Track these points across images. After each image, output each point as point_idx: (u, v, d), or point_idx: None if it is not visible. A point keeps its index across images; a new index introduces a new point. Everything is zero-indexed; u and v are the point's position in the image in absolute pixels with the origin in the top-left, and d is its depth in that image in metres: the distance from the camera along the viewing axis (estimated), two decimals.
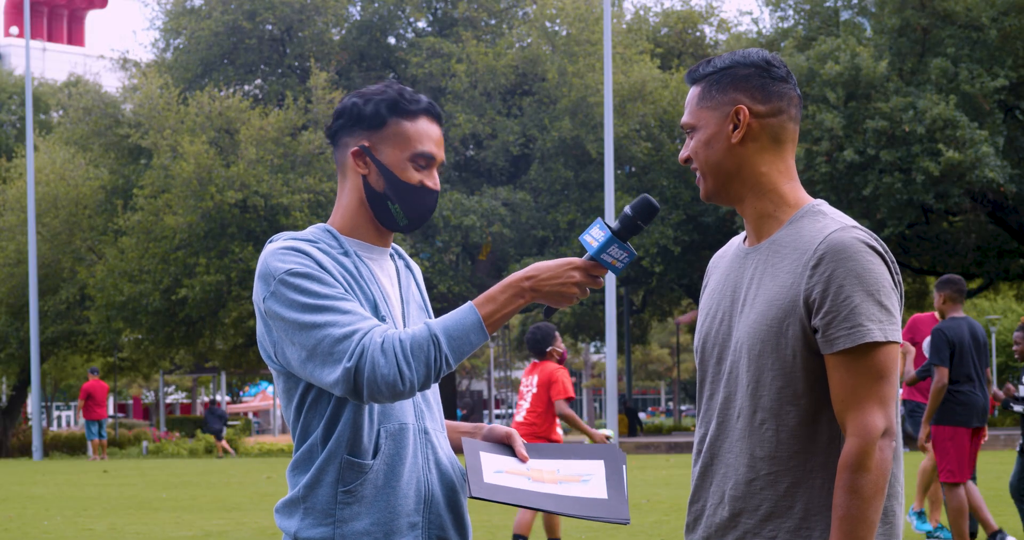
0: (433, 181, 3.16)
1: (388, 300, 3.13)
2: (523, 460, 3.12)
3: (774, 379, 2.79)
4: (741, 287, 2.90)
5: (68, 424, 77.37)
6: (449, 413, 36.16)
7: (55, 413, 73.23)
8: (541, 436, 10.76)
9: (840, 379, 2.74)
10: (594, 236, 2.99)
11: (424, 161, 3.13)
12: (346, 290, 3.03)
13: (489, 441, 3.19)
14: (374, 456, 3.05)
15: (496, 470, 3.08)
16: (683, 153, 2.95)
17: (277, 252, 3.04)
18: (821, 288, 2.75)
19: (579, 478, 3.11)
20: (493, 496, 3.01)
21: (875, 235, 2.81)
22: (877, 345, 2.73)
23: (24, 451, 38.02)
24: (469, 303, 2.98)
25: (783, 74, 2.91)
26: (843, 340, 2.73)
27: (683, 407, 79.27)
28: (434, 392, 3.20)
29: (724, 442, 2.87)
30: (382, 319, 3.08)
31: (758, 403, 2.81)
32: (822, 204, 2.89)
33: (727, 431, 2.87)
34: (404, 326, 3.14)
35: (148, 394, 69.70)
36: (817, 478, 2.79)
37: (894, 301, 2.78)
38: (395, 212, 3.13)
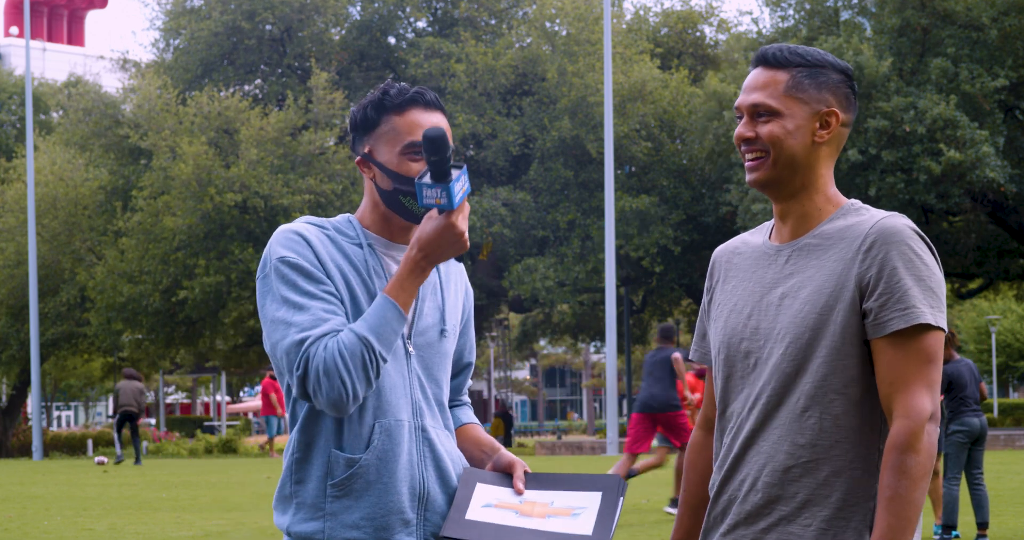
0: None
1: None
2: (519, 492, 3.11)
3: (819, 367, 2.80)
4: (776, 282, 2.90)
5: (68, 424, 77.36)
6: None
7: (55, 413, 73.22)
8: None
9: (889, 361, 2.75)
10: (418, 195, 3.04)
11: (417, 149, 3.12)
12: (336, 287, 3.05)
13: (496, 470, 3.18)
14: (365, 450, 3.05)
15: (484, 503, 3.06)
16: (747, 131, 2.91)
17: (284, 233, 3.09)
18: (876, 270, 2.77)
19: (570, 512, 3.08)
20: (465, 535, 3.01)
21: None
22: (929, 328, 2.75)
23: (24, 451, 38.03)
24: (383, 295, 3.01)
25: (856, 89, 2.95)
26: (897, 321, 2.74)
27: None
28: (436, 393, 3.18)
29: (761, 433, 2.85)
30: None
31: (802, 391, 2.81)
32: (859, 202, 2.92)
33: (765, 422, 2.85)
34: (415, 322, 3.15)
35: (148, 394, 69.70)
36: (858, 468, 2.79)
37: (943, 290, 2.80)
38: (409, 204, 3.14)
